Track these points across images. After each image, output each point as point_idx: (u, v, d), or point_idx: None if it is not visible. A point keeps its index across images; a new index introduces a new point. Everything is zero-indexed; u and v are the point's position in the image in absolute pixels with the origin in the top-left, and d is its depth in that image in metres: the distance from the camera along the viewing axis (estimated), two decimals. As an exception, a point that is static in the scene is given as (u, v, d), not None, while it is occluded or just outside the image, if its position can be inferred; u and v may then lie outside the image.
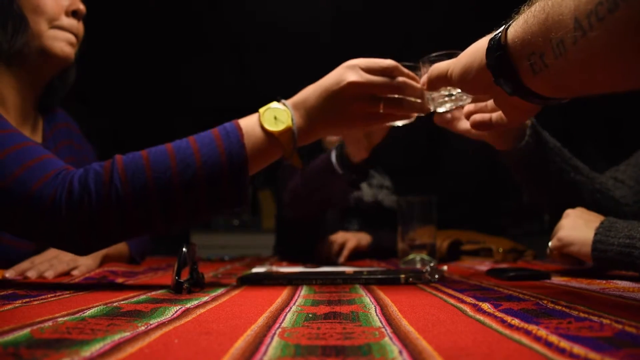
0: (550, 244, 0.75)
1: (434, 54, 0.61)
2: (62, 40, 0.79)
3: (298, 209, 1.24)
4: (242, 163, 0.59)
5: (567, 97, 0.43)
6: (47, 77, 0.84)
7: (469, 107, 0.61)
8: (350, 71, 0.62)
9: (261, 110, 0.63)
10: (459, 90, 0.59)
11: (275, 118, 0.61)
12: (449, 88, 0.60)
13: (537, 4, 0.37)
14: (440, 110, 0.64)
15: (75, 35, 0.81)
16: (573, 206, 0.74)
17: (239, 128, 0.61)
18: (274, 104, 0.63)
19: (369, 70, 0.63)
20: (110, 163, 0.58)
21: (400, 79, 0.64)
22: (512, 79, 0.42)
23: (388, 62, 0.64)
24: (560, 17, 0.34)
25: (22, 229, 0.60)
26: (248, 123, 0.62)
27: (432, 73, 0.54)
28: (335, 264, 1.24)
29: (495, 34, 0.42)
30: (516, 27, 0.40)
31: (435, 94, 0.62)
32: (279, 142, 0.61)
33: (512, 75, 0.41)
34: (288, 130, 0.61)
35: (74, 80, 0.90)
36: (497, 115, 0.56)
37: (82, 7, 0.81)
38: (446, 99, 0.62)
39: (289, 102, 0.64)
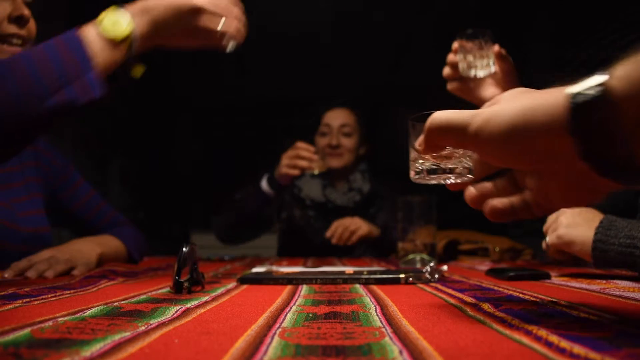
0: (547, 239, 0.75)
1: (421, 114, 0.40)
2: (7, 54, 0.74)
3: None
4: (90, 67, 0.62)
5: None
6: None
7: (471, 190, 0.42)
8: None
9: (100, 17, 0.65)
10: (469, 159, 0.40)
11: (114, 25, 0.65)
12: (457, 152, 0.40)
13: None
14: (428, 182, 0.42)
15: (22, 44, 0.77)
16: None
17: (80, 38, 0.63)
18: (113, 12, 0.66)
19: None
20: None
21: None
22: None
23: None
24: None
25: None
26: (89, 32, 0.64)
27: (436, 124, 0.36)
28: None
29: (579, 89, 0.29)
30: (630, 80, 0.27)
31: (427, 162, 0.41)
32: (120, 47, 0.65)
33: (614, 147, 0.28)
34: (127, 38, 0.65)
35: None
36: (519, 200, 0.39)
37: (26, 12, 0.76)
38: (448, 174, 0.41)
39: (131, 9, 0.67)
